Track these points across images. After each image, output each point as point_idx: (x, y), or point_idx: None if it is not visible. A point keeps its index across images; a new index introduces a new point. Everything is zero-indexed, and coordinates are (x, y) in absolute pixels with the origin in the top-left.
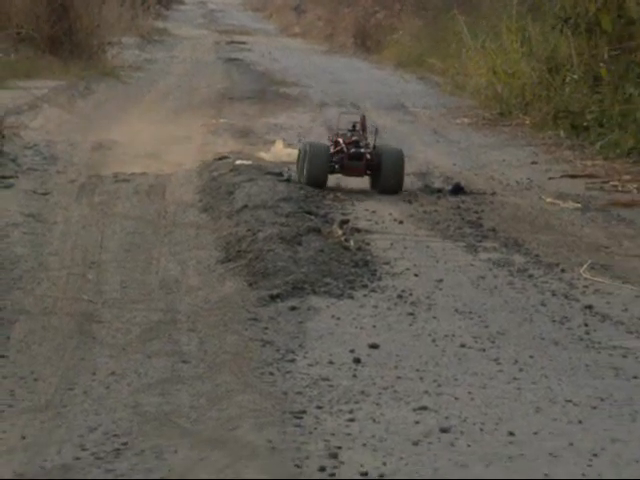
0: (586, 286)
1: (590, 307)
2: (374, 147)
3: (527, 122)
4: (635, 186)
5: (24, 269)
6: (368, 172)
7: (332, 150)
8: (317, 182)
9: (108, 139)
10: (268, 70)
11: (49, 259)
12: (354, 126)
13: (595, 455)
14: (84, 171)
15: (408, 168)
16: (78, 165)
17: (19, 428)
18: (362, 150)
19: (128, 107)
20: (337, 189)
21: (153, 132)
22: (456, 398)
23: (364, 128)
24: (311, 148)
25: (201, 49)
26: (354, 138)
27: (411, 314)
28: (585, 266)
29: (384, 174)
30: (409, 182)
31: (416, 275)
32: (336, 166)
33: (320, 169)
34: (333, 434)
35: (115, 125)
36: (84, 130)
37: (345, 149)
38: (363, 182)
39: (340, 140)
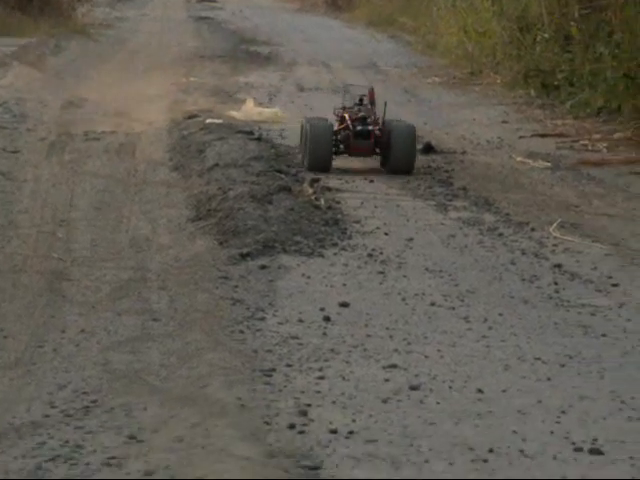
0: (555, 245)
1: (559, 266)
2: (383, 123)
3: (498, 81)
4: (605, 145)
5: None
6: (377, 151)
7: (336, 127)
8: (321, 166)
9: (78, 97)
10: (239, 29)
11: (19, 217)
12: (361, 100)
13: (563, 412)
14: (54, 129)
15: None
16: (48, 123)
17: None
18: (370, 127)
19: (98, 65)
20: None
21: (123, 90)
22: (426, 356)
23: (372, 102)
24: (312, 128)
25: (172, 7)
26: (361, 114)
27: (381, 273)
28: (555, 225)
29: (394, 153)
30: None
31: (386, 234)
32: (341, 146)
33: (323, 150)
34: (303, 392)
35: (85, 83)
36: (54, 88)
37: (351, 126)
38: (372, 162)
39: (346, 116)
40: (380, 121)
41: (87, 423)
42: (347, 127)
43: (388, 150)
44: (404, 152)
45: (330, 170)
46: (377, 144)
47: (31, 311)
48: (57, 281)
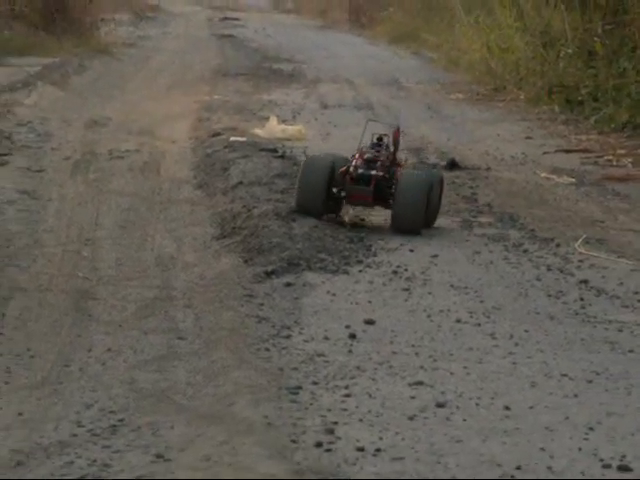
0: (581, 260)
1: (585, 281)
2: (392, 164)
3: (521, 97)
4: (629, 160)
5: (19, 246)
6: (383, 203)
7: (345, 168)
8: (308, 208)
9: (102, 116)
10: (261, 46)
11: (44, 236)
12: (380, 139)
13: (591, 429)
14: (78, 148)
15: (402, 143)
16: (72, 142)
17: (16, 405)
18: (372, 172)
19: (122, 84)
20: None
21: (147, 109)
22: (452, 373)
23: (396, 144)
24: (305, 163)
25: (194, 25)
26: (367, 155)
27: (406, 289)
28: (580, 240)
29: (397, 206)
30: (404, 157)
31: (411, 250)
32: (342, 192)
33: (313, 191)
34: (329, 409)
35: (109, 102)
36: (78, 107)
37: (352, 169)
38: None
39: (356, 156)
40: (396, 168)
41: (114, 442)
42: (349, 169)
43: (394, 199)
44: (409, 206)
45: (322, 217)
46: (381, 193)
47: (57, 330)
48: (83, 300)
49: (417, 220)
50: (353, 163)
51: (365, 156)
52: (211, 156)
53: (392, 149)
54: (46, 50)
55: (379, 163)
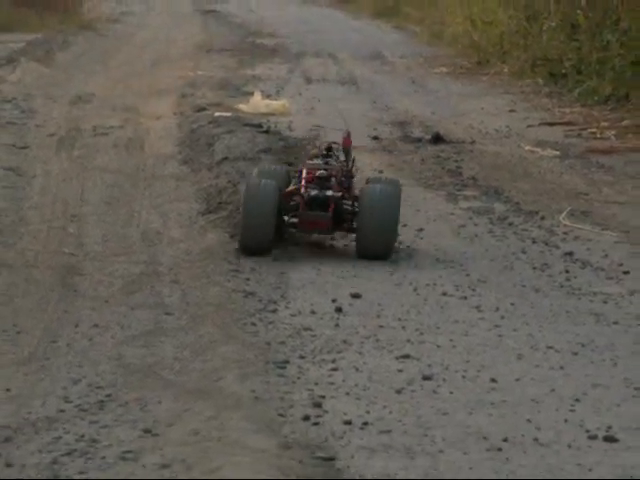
0: (566, 233)
1: (570, 254)
2: (347, 177)
3: (505, 70)
4: (613, 133)
5: (5, 223)
6: (344, 225)
7: (291, 187)
8: (255, 246)
9: (86, 92)
10: (245, 21)
11: (29, 213)
12: (329, 149)
13: (577, 400)
14: (63, 124)
15: (386, 117)
16: (57, 119)
17: (3, 381)
18: (329, 192)
19: (106, 60)
20: (316, 139)
21: (131, 85)
22: (438, 346)
23: (348, 152)
24: (248, 189)
25: (178, 1)
26: (320, 172)
27: (392, 263)
28: (564, 213)
29: (361, 229)
30: (388, 131)
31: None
32: (290, 217)
33: (260, 225)
34: (316, 383)
35: (93, 78)
36: (62, 83)
37: (303, 190)
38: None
39: (303, 172)
40: (351, 182)
41: (102, 417)
42: (297, 191)
43: (357, 225)
44: (378, 229)
45: (270, 252)
46: (340, 217)
47: (44, 306)
48: (69, 276)
49: (389, 244)
50: (302, 182)
51: (317, 173)
52: (196, 132)
53: (343, 159)
54: (30, 26)
55: (334, 180)
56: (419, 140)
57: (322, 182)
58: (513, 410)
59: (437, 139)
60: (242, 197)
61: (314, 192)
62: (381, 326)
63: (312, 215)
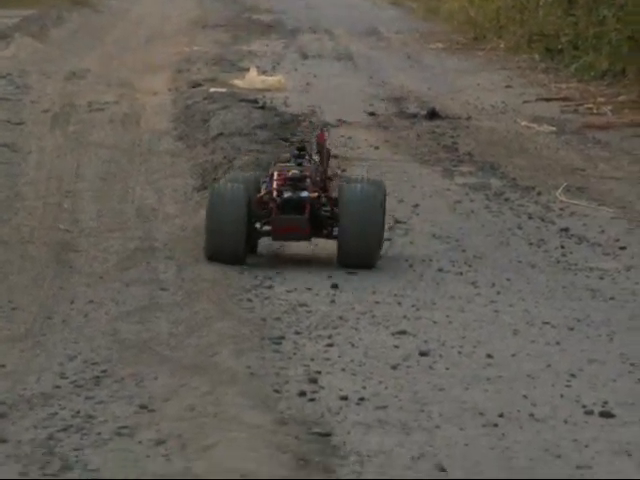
0: (562, 209)
1: (566, 229)
2: (325, 180)
3: (501, 46)
4: (609, 108)
5: None
6: (323, 231)
7: (262, 192)
8: (225, 255)
9: (81, 68)
10: None
11: (24, 189)
12: (301, 149)
13: (573, 376)
14: (58, 100)
15: (382, 93)
16: (52, 94)
17: None
18: (304, 194)
19: (101, 36)
20: (312, 115)
21: (126, 61)
22: (434, 322)
23: (321, 151)
24: (214, 196)
25: None
26: (293, 172)
27: (388, 239)
28: (561, 189)
29: (345, 233)
30: (384, 107)
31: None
32: (260, 224)
33: (229, 236)
34: (312, 359)
35: (88, 54)
36: (57, 59)
37: (275, 193)
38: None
39: (274, 175)
40: (328, 182)
41: (98, 393)
42: (270, 195)
43: (338, 229)
44: (361, 234)
45: (244, 262)
46: (319, 222)
47: (39, 283)
48: (64, 252)
49: (373, 251)
50: (273, 185)
51: (289, 174)
52: (191, 107)
53: (318, 159)
54: (24, 2)
55: (308, 181)
56: (415, 116)
57: (296, 183)
58: (509, 386)
59: (433, 115)
60: (207, 204)
61: (287, 194)
62: (377, 302)
63: (287, 219)
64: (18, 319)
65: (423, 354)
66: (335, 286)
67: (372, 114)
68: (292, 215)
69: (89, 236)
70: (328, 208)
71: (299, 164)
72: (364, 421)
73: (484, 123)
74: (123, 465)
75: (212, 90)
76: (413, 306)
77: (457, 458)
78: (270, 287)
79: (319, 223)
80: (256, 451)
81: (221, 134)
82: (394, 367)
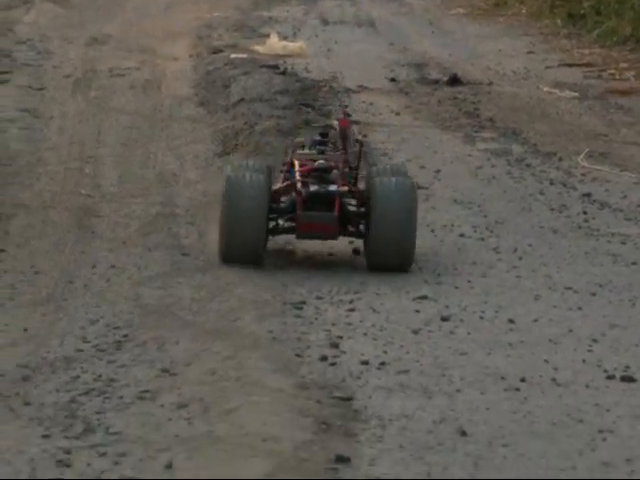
0: (584, 174)
1: (588, 195)
2: (354, 176)
3: (523, 11)
4: (632, 73)
5: (21, 164)
6: (350, 229)
7: (278, 185)
8: (243, 255)
9: (102, 34)
10: None
11: (46, 154)
12: (324, 135)
13: (595, 341)
14: (79, 66)
15: (403, 59)
16: (73, 60)
17: (21, 321)
18: (332, 188)
19: (121, 2)
20: (333, 80)
21: (147, 27)
22: (456, 287)
23: (345, 137)
24: (230, 186)
25: None
26: (320, 162)
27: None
28: (583, 154)
29: (373, 235)
30: (405, 73)
31: (414, 165)
32: (282, 221)
33: (248, 229)
34: (334, 324)
35: (109, 20)
36: (78, 25)
37: (300, 185)
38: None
39: (295, 164)
40: (355, 174)
41: (120, 357)
42: (293, 187)
43: (367, 228)
44: (391, 233)
45: (262, 262)
46: (347, 218)
47: (61, 247)
48: (86, 217)
49: (408, 252)
50: (296, 176)
51: (316, 164)
52: (212, 73)
53: (340, 147)
54: None
55: (335, 172)
56: (436, 82)
57: (322, 175)
58: (531, 350)
59: (454, 81)
60: (223, 195)
61: (314, 187)
62: None
63: (314, 216)
64: (40, 283)
65: (444, 319)
66: (356, 252)
67: (393, 80)
68: (320, 212)
69: (111, 201)
70: (355, 203)
71: (321, 152)
72: (385, 385)
73: (506, 89)
74: (145, 428)
75: (233, 56)
76: (434, 271)
77: (478, 422)
78: (291, 252)
79: (347, 220)
80: (278, 415)
81: (242, 100)
82: (415, 332)
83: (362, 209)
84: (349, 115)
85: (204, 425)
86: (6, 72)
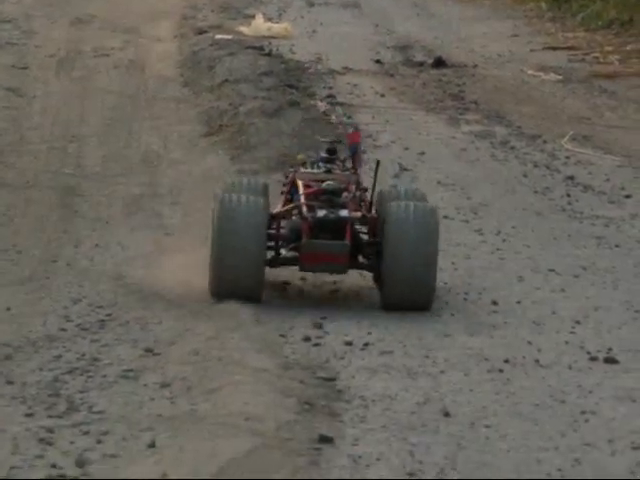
0: (568, 157)
1: (572, 178)
2: (371, 202)
3: None
4: (616, 57)
5: (5, 143)
6: (361, 261)
7: (278, 208)
8: (239, 293)
9: (86, 14)
10: None
11: (29, 133)
12: (331, 151)
13: (578, 322)
14: (63, 45)
15: (388, 41)
16: (57, 39)
17: (4, 300)
18: (343, 213)
19: None
20: (318, 62)
21: (132, 7)
22: (440, 269)
23: (355, 153)
24: (222, 210)
25: None
26: (328, 182)
27: (393, 186)
28: (567, 137)
29: (390, 264)
30: (390, 55)
31: (398, 147)
32: (284, 250)
33: (247, 266)
34: (317, 306)
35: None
36: (62, 4)
37: (305, 210)
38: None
39: (299, 184)
40: (368, 198)
41: (103, 336)
42: (297, 210)
43: (380, 259)
44: (410, 266)
45: (261, 299)
46: (359, 248)
47: (44, 226)
48: (69, 197)
49: (429, 290)
50: (301, 198)
51: (324, 185)
52: (197, 54)
53: (348, 166)
54: None
55: (346, 195)
56: (421, 64)
57: (331, 198)
58: (514, 332)
59: (439, 63)
60: (214, 219)
61: (322, 212)
62: None
63: (322, 245)
64: (23, 262)
65: None
66: None
67: (378, 62)
68: (330, 240)
69: (94, 181)
70: (367, 230)
71: (328, 171)
72: (369, 366)
73: (490, 71)
74: (128, 407)
75: (218, 37)
76: None
77: (462, 403)
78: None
79: (358, 250)
80: (261, 395)
81: (227, 81)
82: (399, 313)
83: (377, 238)
84: (357, 129)
85: (187, 404)
86: None
